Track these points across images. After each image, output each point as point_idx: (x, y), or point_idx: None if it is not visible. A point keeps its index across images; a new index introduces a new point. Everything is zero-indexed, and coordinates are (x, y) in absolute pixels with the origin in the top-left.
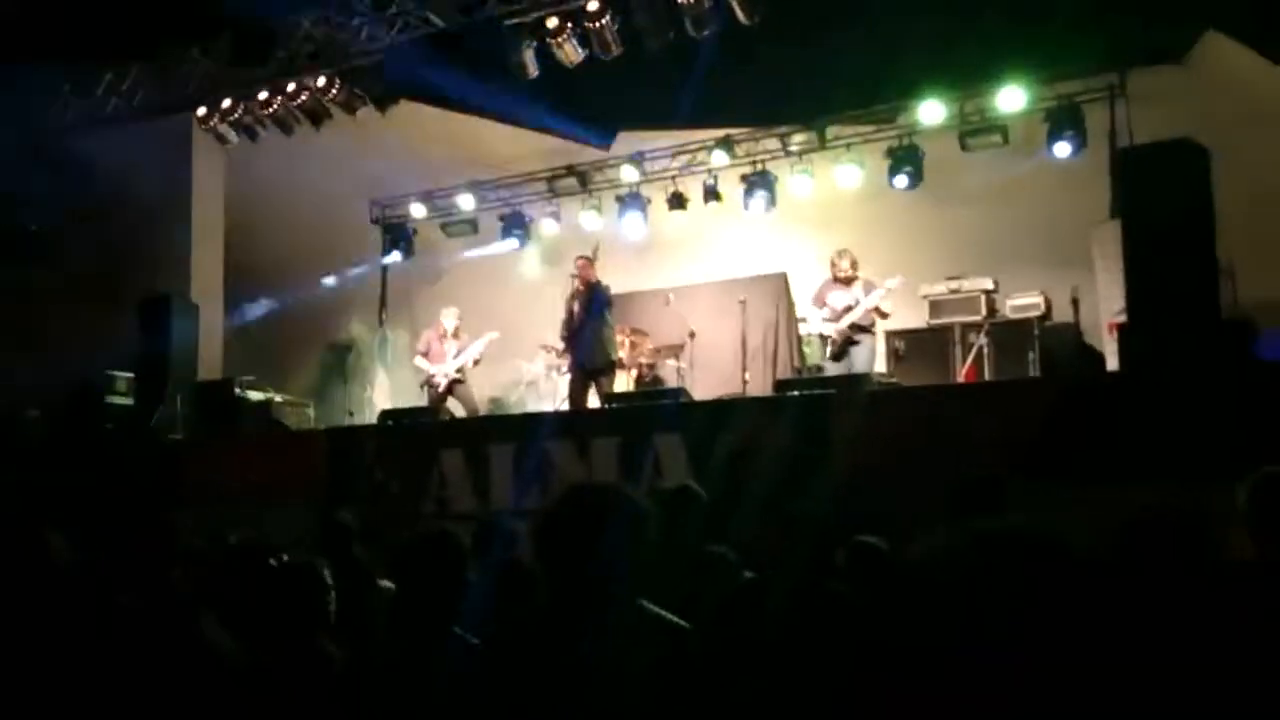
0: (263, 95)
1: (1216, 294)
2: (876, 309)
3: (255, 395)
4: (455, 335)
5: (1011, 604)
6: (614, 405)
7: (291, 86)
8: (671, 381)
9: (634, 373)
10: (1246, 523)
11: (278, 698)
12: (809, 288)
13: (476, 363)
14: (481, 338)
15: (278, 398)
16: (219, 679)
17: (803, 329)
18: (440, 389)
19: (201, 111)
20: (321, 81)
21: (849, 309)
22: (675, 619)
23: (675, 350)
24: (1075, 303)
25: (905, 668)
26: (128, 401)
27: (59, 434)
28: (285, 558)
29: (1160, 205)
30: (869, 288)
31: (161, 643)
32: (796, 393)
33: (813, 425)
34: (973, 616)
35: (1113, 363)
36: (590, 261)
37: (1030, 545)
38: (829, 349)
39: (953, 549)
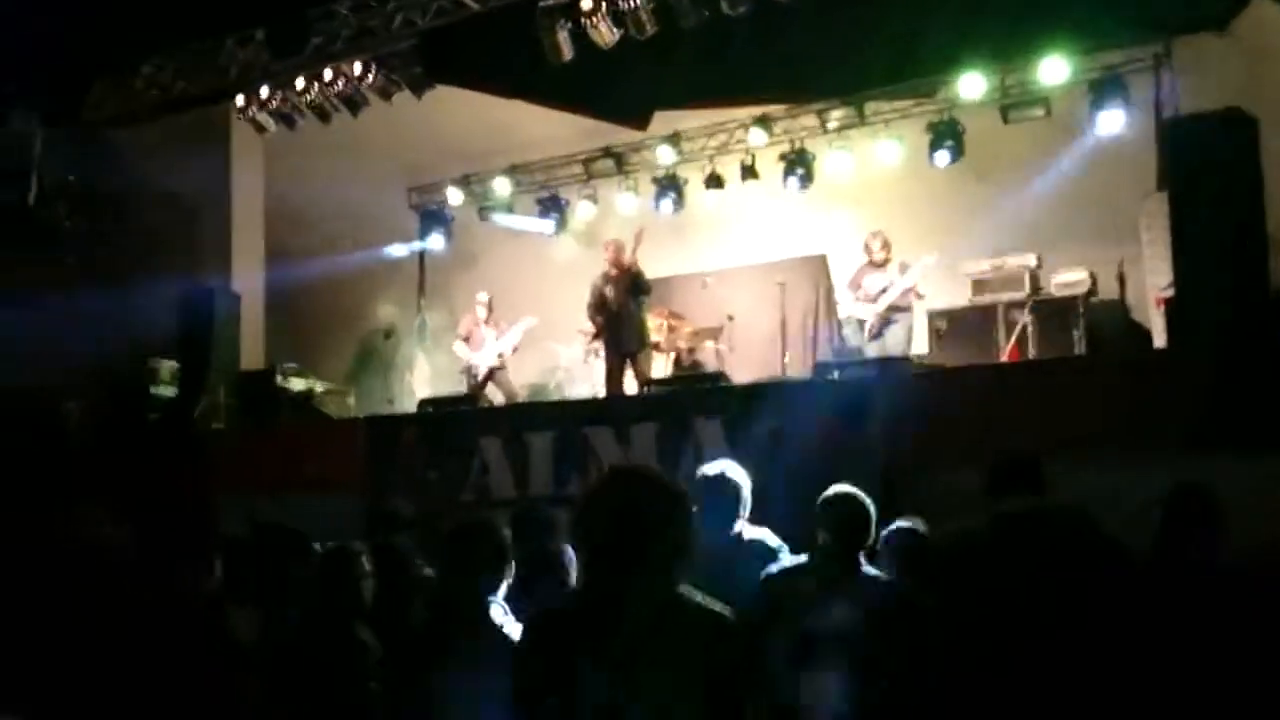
0: (300, 83)
1: (1266, 267)
2: (913, 289)
3: (297, 384)
4: (490, 318)
5: (1042, 582)
6: (652, 390)
7: (328, 74)
8: (710, 365)
9: (672, 356)
10: None
11: (311, 681)
12: (848, 268)
13: (515, 349)
14: (520, 324)
15: (319, 386)
16: (243, 667)
17: (840, 311)
18: (480, 376)
19: (240, 101)
20: (358, 68)
21: (884, 291)
22: (715, 604)
23: (714, 333)
24: (1121, 279)
25: (947, 650)
26: (171, 391)
27: (102, 424)
28: (323, 546)
29: (1208, 177)
30: (903, 268)
31: (191, 632)
32: (836, 374)
33: (853, 407)
34: (1002, 596)
35: (1161, 339)
36: (622, 246)
37: (1059, 524)
38: (866, 331)
39: (980, 531)
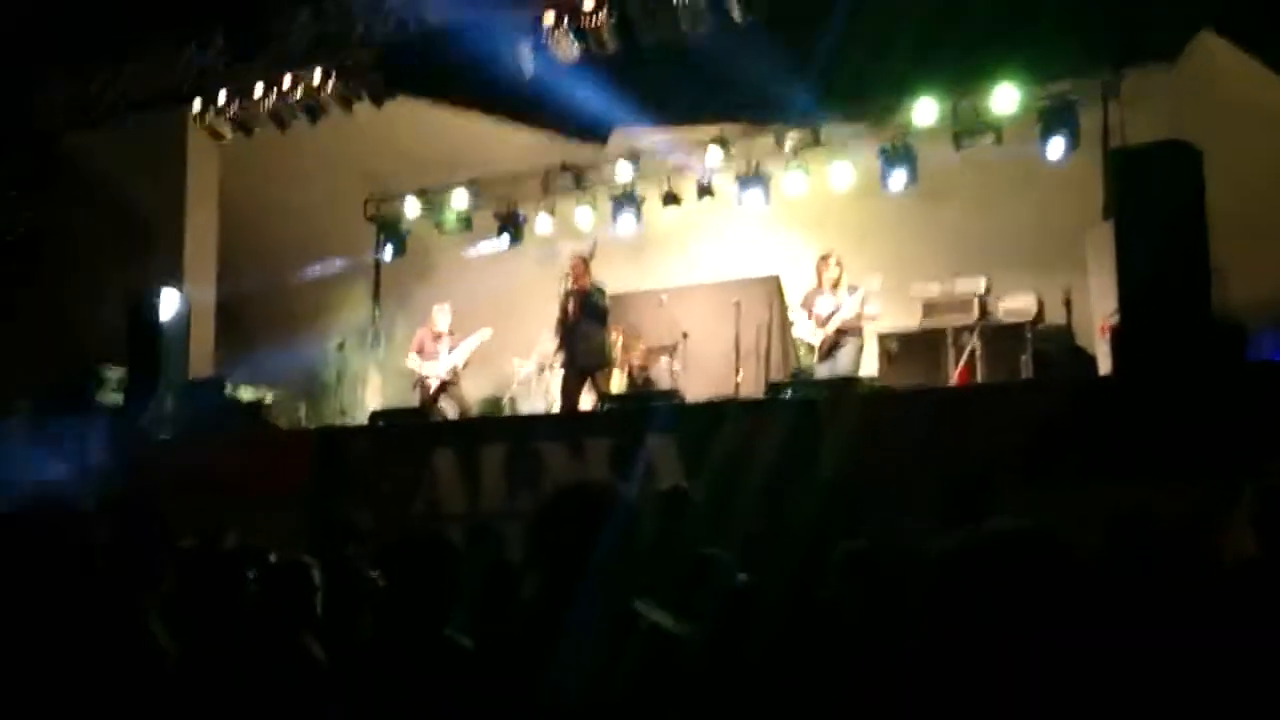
0: (258, 91)
1: (1209, 296)
2: (860, 312)
3: (246, 394)
4: (450, 333)
5: (1021, 602)
6: (607, 406)
7: (287, 82)
8: (664, 383)
9: (626, 373)
10: (1254, 523)
11: (259, 696)
12: (802, 288)
13: (468, 363)
14: (474, 336)
15: (269, 396)
16: (163, 681)
17: (794, 331)
18: (432, 389)
19: (196, 107)
20: (317, 77)
21: (834, 314)
22: (669, 620)
23: (668, 351)
24: (1068, 305)
25: (909, 667)
26: (118, 398)
27: (48, 428)
28: (273, 558)
29: (1152, 206)
30: (853, 290)
31: (111, 645)
32: (789, 395)
33: (804, 427)
34: (984, 615)
35: (1105, 365)
36: (586, 263)
37: (1038, 544)
38: (816, 353)
39: (967, 549)
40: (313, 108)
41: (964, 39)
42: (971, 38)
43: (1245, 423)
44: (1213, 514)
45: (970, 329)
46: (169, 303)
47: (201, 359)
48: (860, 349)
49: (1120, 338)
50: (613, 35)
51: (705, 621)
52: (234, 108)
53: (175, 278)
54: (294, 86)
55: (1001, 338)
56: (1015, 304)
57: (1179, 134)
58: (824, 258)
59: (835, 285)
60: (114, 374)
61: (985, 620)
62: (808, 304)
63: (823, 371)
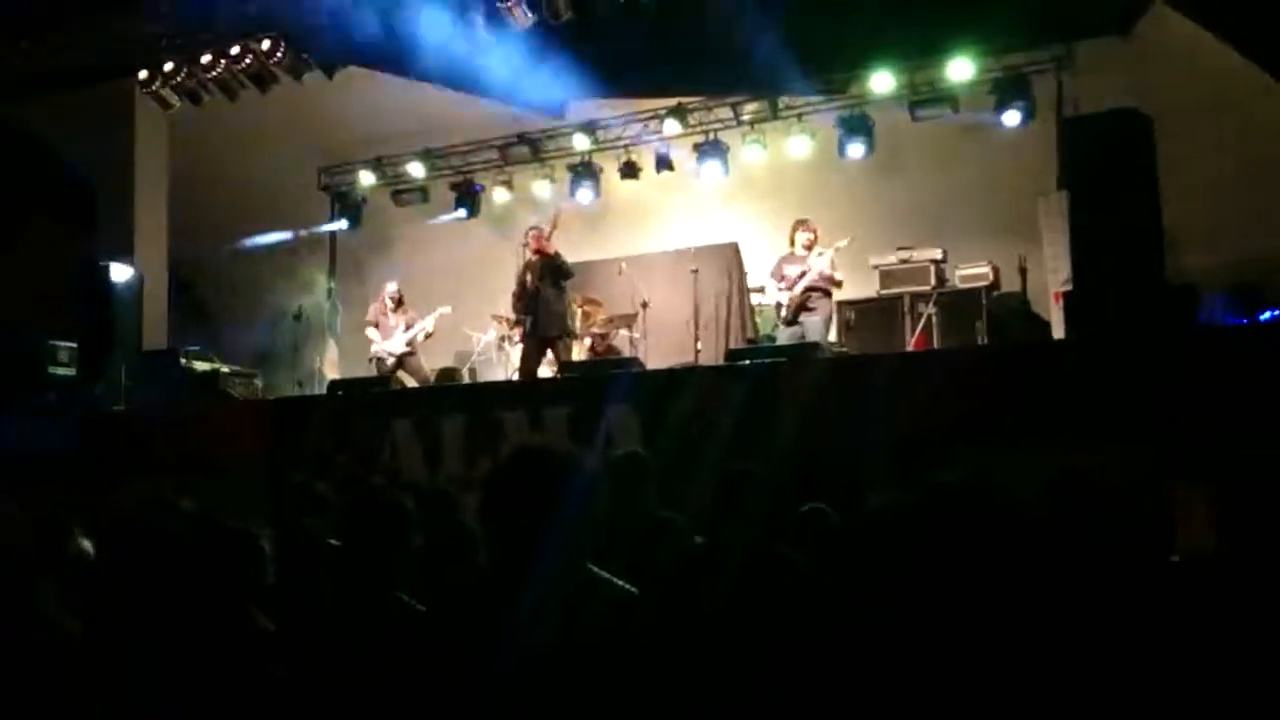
0: (206, 59)
1: (1161, 260)
2: (830, 278)
3: (201, 365)
4: (400, 307)
5: (961, 553)
6: (566, 375)
7: (236, 50)
8: (624, 351)
9: (587, 342)
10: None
11: (194, 667)
12: (760, 257)
13: (428, 336)
14: (433, 313)
15: (224, 368)
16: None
17: (759, 299)
18: (390, 364)
19: (143, 75)
20: (266, 45)
21: (802, 275)
22: (623, 584)
23: (628, 320)
24: (1023, 272)
25: (857, 623)
26: (69, 371)
27: None
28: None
29: (1104, 174)
30: (819, 254)
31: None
32: (748, 362)
33: (764, 394)
34: (926, 565)
35: (1059, 330)
36: (543, 232)
37: (979, 498)
38: (782, 314)
39: (906, 502)
40: (262, 77)
41: (920, 11)
42: (927, 10)
43: (1194, 386)
44: (1160, 473)
45: (927, 297)
46: (120, 273)
47: (155, 330)
48: (830, 317)
49: (1073, 303)
50: (567, 4)
51: (660, 583)
52: (181, 76)
53: (126, 248)
54: (242, 55)
55: (957, 304)
56: (970, 272)
57: (1132, 103)
58: (800, 222)
59: (809, 248)
60: (65, 348)
61: (926, 570)
62: (777, 271)
63: (788, 336)
